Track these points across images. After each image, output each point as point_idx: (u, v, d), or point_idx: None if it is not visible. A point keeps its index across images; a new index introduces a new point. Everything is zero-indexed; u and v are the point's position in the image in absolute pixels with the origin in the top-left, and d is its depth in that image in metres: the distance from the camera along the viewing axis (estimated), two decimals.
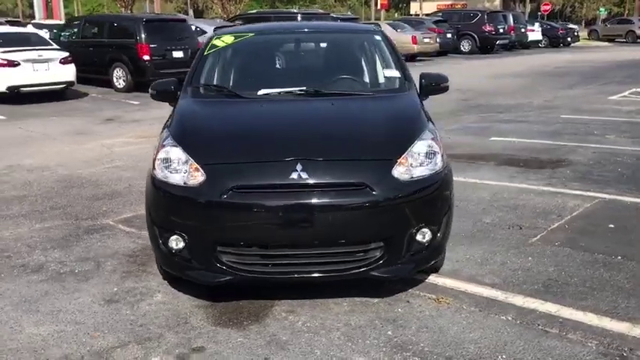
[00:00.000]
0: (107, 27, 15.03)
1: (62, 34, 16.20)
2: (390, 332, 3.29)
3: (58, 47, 13.73)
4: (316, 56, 4.96)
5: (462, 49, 26.70)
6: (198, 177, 3.39)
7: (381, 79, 4.53)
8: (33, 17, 40.40)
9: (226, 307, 3.60)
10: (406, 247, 3.48)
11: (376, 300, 3.68)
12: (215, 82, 4.42)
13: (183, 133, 3.66)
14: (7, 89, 12.58)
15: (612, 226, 4.97)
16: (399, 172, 3.44)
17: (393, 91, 4.33)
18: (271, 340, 3.22)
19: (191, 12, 57.95)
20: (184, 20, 16.38)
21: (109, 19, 16.27)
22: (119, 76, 14.72)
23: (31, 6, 50.47)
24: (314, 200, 3.28)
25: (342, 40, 5.04)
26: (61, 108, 12.54)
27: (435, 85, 4.51)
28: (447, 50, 25.40)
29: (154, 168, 3.58)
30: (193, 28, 16.76)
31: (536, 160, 7.41)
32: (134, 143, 8.75)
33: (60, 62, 13.16)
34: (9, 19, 29.00)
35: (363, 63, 4.69)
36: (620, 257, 4.29)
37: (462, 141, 8.72)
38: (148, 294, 3.81)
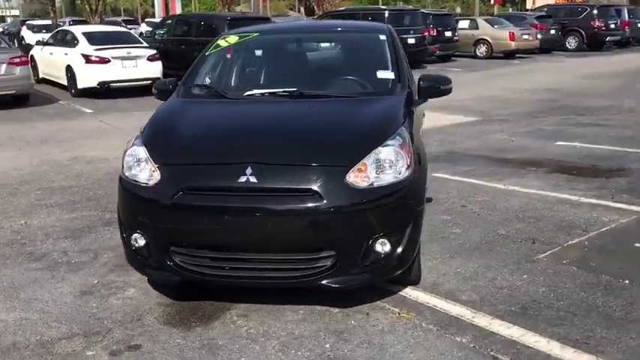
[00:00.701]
0: (195, 25, 15.61)
1: (157, 32, 17.03)
2: (327, 345, 3.17)
3: (146, 45, 14.45)
4: (314, 57, 4.87)
5: (568, 46, 25.13)
6: (156, 177, 3.44)
7: (373, 81, 4.36)
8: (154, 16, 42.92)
9: (185, 307, 3.63)
10: (361, 257, 3.34)
11: (336, 310, 3.56)
12: (208, 82, 4.46)
13: (151, 133, 3.73)
14: (97, 84, 13.39)
15: (639, 245, 4.51)
16: (355, 178, 3.30)
17: (380, 93, 4.16)
18: (207, 344, 3.21)
19: (302, 9, 58.89)
20: (268, 19, 16.69)
21: (197, 17, 16.92)
22: None
23: (154, 5, 53.65)
24: (260, 205, 3.23)
25: (343, 40, 4.92)
26: (146, 103, 13.18)
27: (434, 88, 4.30)
28: (550, 47, 24.04)
29: (122, 166, 3.67)
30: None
31: (593, 167, 6.86)
32: None
33: (147, 59, 13.84)
34: (125, 17, 30.87)
35: (359, 64, 4.56)
36: (627, 281, 3.88)
37: (525, 144, 8.26)
38: (122, 288, 3.92)
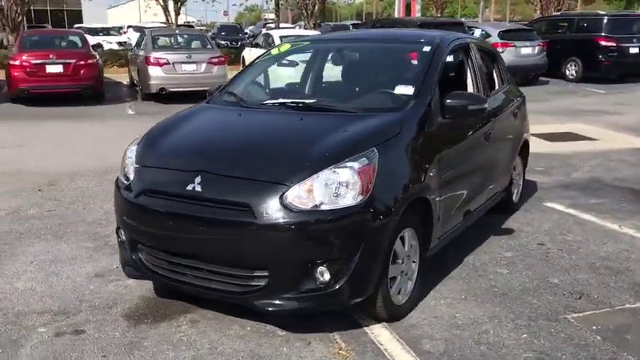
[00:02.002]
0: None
1: None
2: None
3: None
4: (349, 68, 4.63)
5: None
6: (132, 177, 3.64)
7: (388, 96, 4.01)
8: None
9: (158, 303, 3.76)
10: (296, 282, 3.15)
11: (283, 333, 3.40)
12: (239, 89, 4.50)
13: (149, 135, 3.92)
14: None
15: None
16: (296, 198, 3.12)
17: (386, 110, 3.82)
18: (134, 342, 3.30)
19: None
20: (462, 24, 16.07)
21: (390, 22, 16.92)
22: None
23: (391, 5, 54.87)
24: (200, 214, 3.23)
25: (386, 51, 4.59)
26: None
27: (461, 107, 3.85)
28: None
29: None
30: (479, 31, 16.36)
31: None
32: None
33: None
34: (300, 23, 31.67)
35: (388, 77, 4.23)
36: None
37: None
38: (127, 278, 4.19)
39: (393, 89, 3.99)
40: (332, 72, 4.61)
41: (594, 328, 3.50)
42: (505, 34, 16.53)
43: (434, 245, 3.96)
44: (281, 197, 3.11)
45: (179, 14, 23.37)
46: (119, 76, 18.38)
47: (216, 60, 13.56)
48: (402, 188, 3.42)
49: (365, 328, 3.48)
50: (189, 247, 3.33)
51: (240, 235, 3.15)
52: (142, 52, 13.90)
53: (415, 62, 4.17)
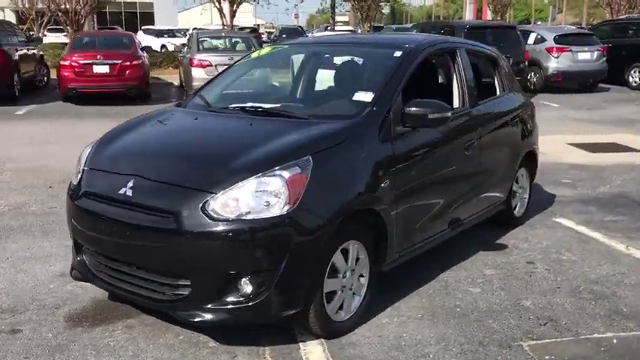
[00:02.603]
0: (435, 33, 15.32)
1: None
2: None
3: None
4: (319, 72, 4.47)
5: None
6: (80, 179, 3.65)
7: (346, 103, 3.84)
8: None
9: (105, 306, 3.75)
10: (219, 293, 3.05)
11: (213, 344, 3.31)
12: (214, 92, 4.43)
13: (103, 137, 3.91)
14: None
15: None
16: (221, 206, 3.01)
17: (339, 117, 3.65)
18: (61, 345, 3.28)
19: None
20: (514, 27, 15.47)
21: (439, 25, 16.50)
22: None
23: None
24: (128, 219, 3.18)
25: (361, 55, 4.40)
26: None
27: (420, 116, 3.65)
28: None
29: None
30: (534, 35, 15.76)
31: None
32: None
33: None
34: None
35: (356, 82, 4.06)
36: None
37: None
38: None
39: (352, 95, 3.82)
40: (303, 76, 4.48)
41: (547, 357, 3.23)
42: (561, 39, 15.83)
43: (393, 259, 3.77)
44: (204, 205, 3.02)
45: (234, 16, 23.70)
46: (172, 77, 18.82)
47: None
48: (340, 199, 3.26)
49: (300, 343, 3.34)
50: (121, 252, 3.30)
51: (163, 242, 3.08)
52: (187, 54, 14.16)
53: (381, 68, 3.98)
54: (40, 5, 26.37)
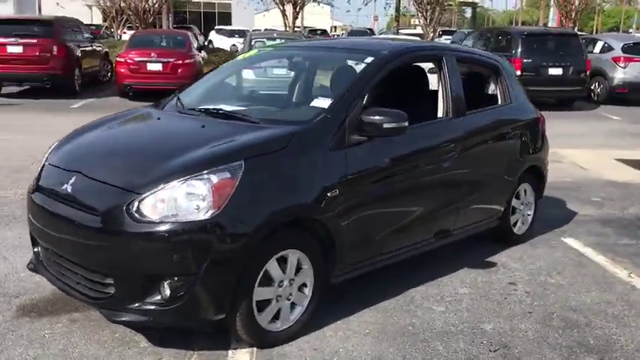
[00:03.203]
0: (493, 39, 14.89)
1: (462, 42, 16.79)
2: None
3: None
4: (292, 76, 4.38)
5: None
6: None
7: (303, 109, 3.76)
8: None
9: (62, 298, 3.78)
10: (140, 294, 3.05)
11: (145, 344, 3.32)
12: (194, 93, 4.44)
13: (69, 134, 3.98)
14: None
15: None
16: (146, 208, 3.01)
17: (289, 122, 3.57)
18: (0, 334, 3.39)
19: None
20: (575, 35, 14.76)
21: (496, 31, 15.98)
22: None
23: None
24: (65, 215, 3.23)
25: (333, 61, 4.28)
26: None
27: (373, 125, 3.52)
28: None
29: None
30: (600, 44, 14.99)
31: None
32: None
33: None
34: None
35: (319, 88, 3.96)
36: None
37: None
38: None
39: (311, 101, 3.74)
40: (274, 80, 4.43)
41: None
42: (630, 48, 14.99)
43: (345, 272, 3.66)
44: (128, 205, 3.02)
45: (297, 18, 23.85)
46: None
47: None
48: (274, 206, 3.18)
49: (231, 350, 3.29)
50: (61, 247, 3.35)
51: (91, 240, 3.11)
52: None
53: (348, 74, 3.87)
54: (122, 4, 27.46)
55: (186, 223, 2.97)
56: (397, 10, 26.33)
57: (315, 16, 60.47)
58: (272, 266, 3.25)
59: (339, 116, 3.54)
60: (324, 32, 32.98)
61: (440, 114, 4.34)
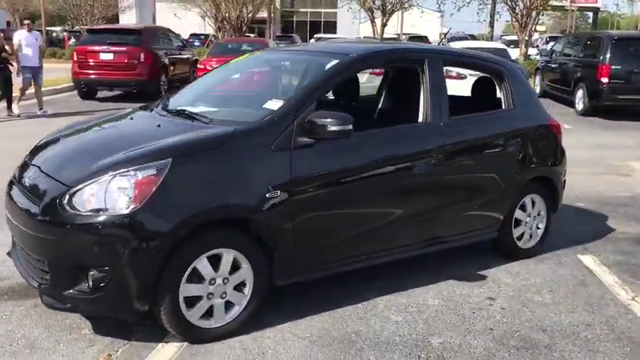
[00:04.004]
0: (582, 45, 14.06)
1: (554, 48, 16.00)
2: None
3: None
4: (265, 79, 4.38)
5: None
6: None
7: (254, 110, 3.76)
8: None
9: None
10: (70, 283, 3.22)
11: (86, 332, 3.48)
12: (182, 95, 4.58)
13: (52, 132, 4.25)
14: None
15: None
16: (75, 201, 3.16)
17: (235, 123, 3.59)
18: None
19: None
20: None
21: (586, 36, 14.99)
22: (580, 98, 13.71)
23: None
24: (20, 204, 3.45)
25: (308, 64, 4.25)
26: None
27: (317, 128, 3.50)
28: None
29: None
30: None
31: None
32: None
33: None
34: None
35: (286, 89, 3.97)
36: None
37: None
38: None
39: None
40: (247, 82, 4.49)
41: None
42: None
43: (291, 274, 3.65)
44: (61, 198, 3.20)
45: (385, 26, 23.73)
46: None
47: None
48: (201, 204, 3.24)
49: (162, 343, 3.38)
50: (19, 235, 3.56)
51: (34, 228, 3.31)
52: None
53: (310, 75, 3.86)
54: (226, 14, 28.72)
55: (107, 216, 3.10)
56: (491, 15, 25.50)
57: (426, 23, 59.77)
58: (202, 264, 3.30)
59: (287, 118, 3.54)
60: (422, 38, 32.44)
61: (420, 118, 4.21)
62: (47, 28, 36.77)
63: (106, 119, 4.31)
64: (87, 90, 14.28)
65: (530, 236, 4.96)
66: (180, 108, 4.10)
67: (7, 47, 11.48)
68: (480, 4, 24.77)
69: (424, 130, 4.17)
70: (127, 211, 3.10)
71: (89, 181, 3.19)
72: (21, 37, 11.94)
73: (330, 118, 3.49)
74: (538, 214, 4.98)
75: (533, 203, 4.92)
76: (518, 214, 4.82)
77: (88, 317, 3.60)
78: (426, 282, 4.33)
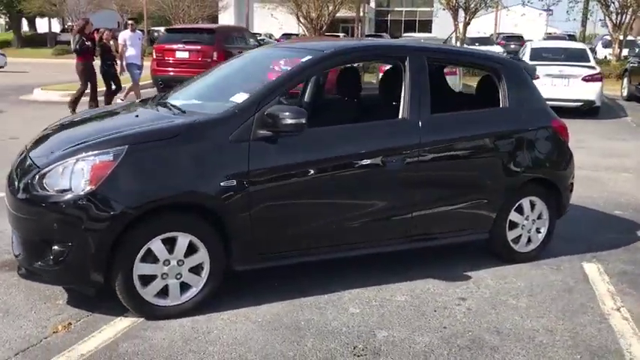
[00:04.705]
0: None
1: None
2: None
3: (590, 65, 13.25)
4: (253, 73, 4.51)
5: None
6: None
7: (222, 103, 3.92)
8: None
9: None
10: (37, 255, 3.53)
11: (59, 302, 3.81)
12: (184, 90, 4.80)
13: (56, 122, 4.63)
14: None
15: None
16: (43, 181, 3.47)
17: (201, 115, 3.78)
18: None
19: None
20: None
21: None
22: None
23: None
24: (9, 186, 3.84)
25: (291, 60, 4.33)
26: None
27: (271, 121, 3.64)
28: None
29: None
30: None
31: None
32: None
33: (582, 79, 12.79)
34: None
35: (252, 84, 4.09)
36: None
37: None
38: None
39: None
40: (237, 76, 4.66)
41: None
42: None
43: (248, 261, 3.81)
44: (32, 179, 3.53)
45: (468, 25, 23.16)
46: None
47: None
48: (154, 189, 3.47)
49: (122, 317, 3.62)
50: (8, 214, 3.92)
51: (15, 205, 3.66)
52: None
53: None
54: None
55: (68, 196, 3.39)
56: (584, 14, 24.21)
57: (530, 23, 57.59)
58: (156, 245, 3.52)
59: (248, 111, 3.70)
60: (519, 38, 31.32)
61: (400, 114, 4.23)
62: (151, 28, 38.95)
63: (103, 112, 4.65)
64: (164, 86, 15.01)
65: (529, 240, 4.82)
66: (168, 101, 4.35)
67: (112, 45, 12.55)
68: (570, 2, 23.64)
69: (400, 127, 4.18)
70: (82, 193, 3.37)
71: (55, 164, 3.50)
72: (125, 36, 12.95)
73: (285, 112, 3.61)
74: (538, 218, 4.83)
75: (532, 206, 4.77)
76: (513, 216, 4.70)
77: (68, 290, 3.92)
78: (403, 279, 4.34)
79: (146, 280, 3.57)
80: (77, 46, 11.35)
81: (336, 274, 4.30)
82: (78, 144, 3.61)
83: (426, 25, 47.44)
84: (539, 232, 4.86)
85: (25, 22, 48.33)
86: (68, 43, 34.86)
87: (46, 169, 3.51)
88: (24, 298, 3.86)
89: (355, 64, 5.24)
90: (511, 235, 4.72)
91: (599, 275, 4.61)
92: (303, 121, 3.61)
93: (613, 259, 4.96)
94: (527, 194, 4.73)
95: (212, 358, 3.25)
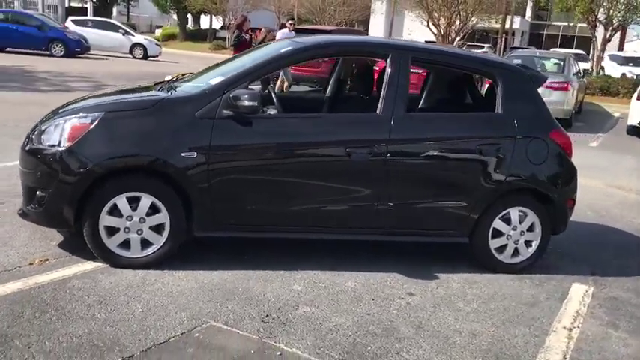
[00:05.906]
0: None
1: None
2: None
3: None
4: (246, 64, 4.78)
5: None
6: None
7: (204, 84, 4.29)
8: None
9: None
10: (29, 199, 4.13)
11: (53, 243, 4.43)
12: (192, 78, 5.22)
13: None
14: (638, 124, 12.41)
15: None
16: (41, 137, 4.07)
17: (183, 93, 4.22)
18: None
19: None
20: None
21: None
22: None
23: None
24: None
25: (276, 49, 4.58)
26: None
27: (232, 102, 3.99)
28: None
29: None
30: None
31: None
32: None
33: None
34: None
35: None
36: None
37: None
38: None
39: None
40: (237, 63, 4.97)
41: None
42: None
43: (206, 228, 4.18)
44: (33, 134, 4.20)
45: (609, 41, 21.50)
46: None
47: (555, 85, 12.86)
48: (119, 152, 3.94)
49: (91, 261, 4.14)
50: None
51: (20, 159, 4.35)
52: None
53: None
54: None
55: (48, 150, 3.99)
56: None
57: None
58: (121, 202, 4.00)
59: (217, 92, 4.08)
60: None
61: (378, 109, 4.38)
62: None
63: (128, 88, 5.24)
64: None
65: (517, 251, 4.71)
66: (176, 84, 4.82)
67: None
68: None
69: (371, 122, 4.33)
70: (60, 149, 3.95)
71: (49, 124, 4.12)
72: (283, 35, 13.98)
73: (244, 95, 3.94)
74: (529, 230, 4.70)
75: (522, 217, 4.66)
76: (498, 224, 4.63)
77: (66, 234, 4.53)
78: (368, 269, 4.46)
79: (111, 231, 4.06)
80: (235, 40, 12.34)
81: (308, 255, 4.51)
82: (74, 108, 4.20)
83: (586, 42, 44.57)
84: (530, 246, 4.73)
85: (190, 19, 52.47)
86: (224, 39, 37.46)
87: (44, 127, 4.14)
88: (27, 236, 4.52)
89: (369, 62, 5.43)
90: (494, 243, 4.65)
91: (581, 296, 4.42)
92: (256, 104, 3.91)
93: (615, 284, 4.71)
94: (517, 204, 4.63)
95: (138, 302, 3.66)
